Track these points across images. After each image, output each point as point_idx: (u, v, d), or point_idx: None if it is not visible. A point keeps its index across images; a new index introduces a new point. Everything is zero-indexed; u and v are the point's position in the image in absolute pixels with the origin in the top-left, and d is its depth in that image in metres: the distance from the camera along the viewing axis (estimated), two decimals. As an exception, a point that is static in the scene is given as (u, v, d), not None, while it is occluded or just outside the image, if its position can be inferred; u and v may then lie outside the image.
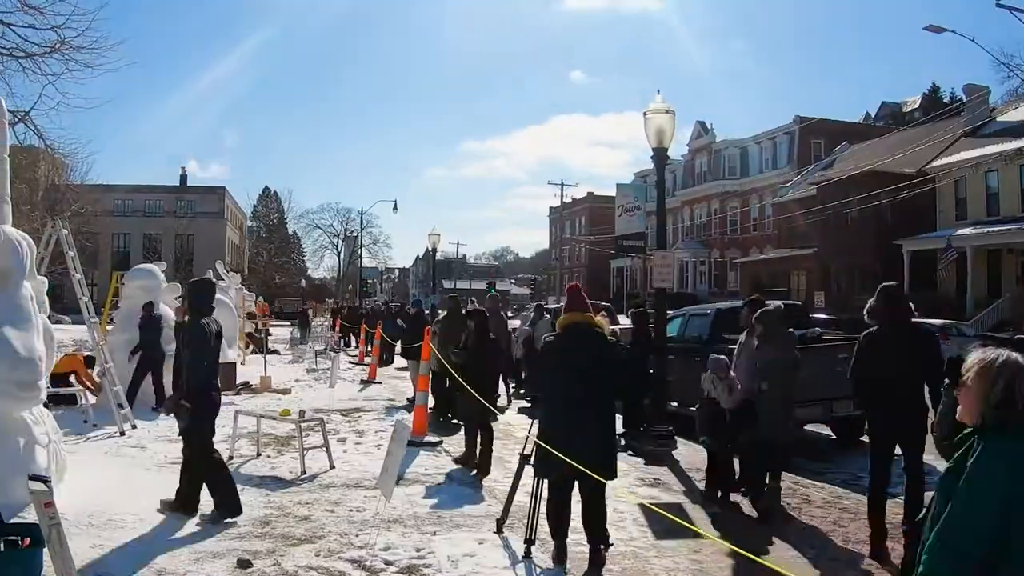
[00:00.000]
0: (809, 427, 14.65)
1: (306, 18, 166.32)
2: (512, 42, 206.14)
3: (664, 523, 8.36)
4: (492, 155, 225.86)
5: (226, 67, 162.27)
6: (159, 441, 13.23)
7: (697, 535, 7.98)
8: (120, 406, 14.09)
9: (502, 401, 16.61)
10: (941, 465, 4.85)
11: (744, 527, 9.14)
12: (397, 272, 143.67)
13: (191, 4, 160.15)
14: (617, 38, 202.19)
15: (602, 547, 7.52)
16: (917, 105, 75.30)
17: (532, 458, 7.76)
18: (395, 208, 71.89)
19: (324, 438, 12.03)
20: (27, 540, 6.01)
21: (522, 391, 20.28)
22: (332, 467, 11.55)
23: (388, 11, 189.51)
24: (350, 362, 29.36)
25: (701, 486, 10.84)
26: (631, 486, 10.91)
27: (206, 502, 8.83)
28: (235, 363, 23.20)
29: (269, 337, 32.76)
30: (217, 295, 30.94)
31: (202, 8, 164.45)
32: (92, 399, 15.50)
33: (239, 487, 10.29)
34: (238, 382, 21.44)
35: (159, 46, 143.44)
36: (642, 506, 9.46)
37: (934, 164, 42.89)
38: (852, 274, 44.58)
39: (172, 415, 8.67)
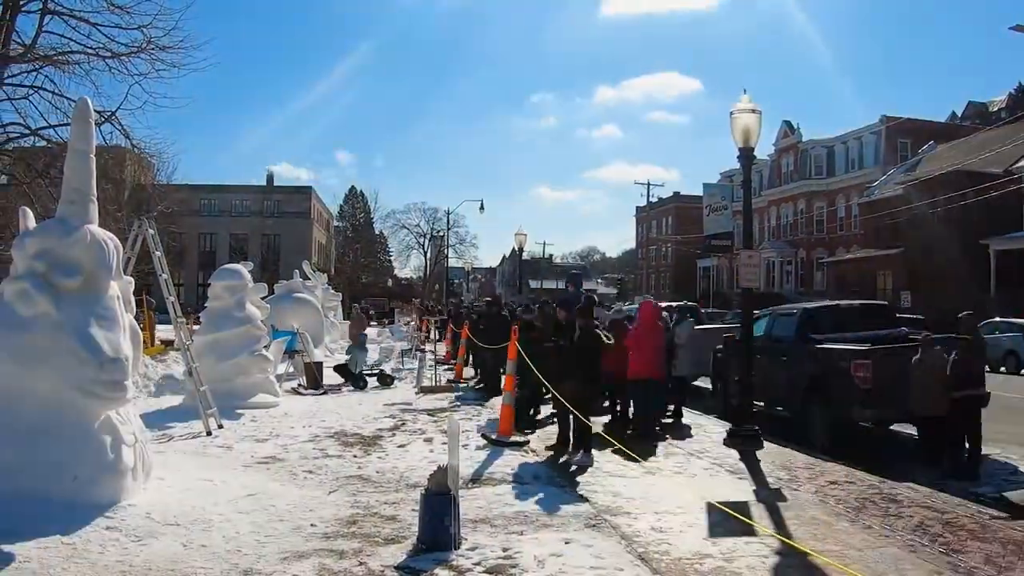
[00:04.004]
0: (895, 427, 14.60)
1: (399, 26, 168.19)
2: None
3: (738, 524, 8.20)
4: (582, 153, 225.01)
5: (316, 68, 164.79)
6: (245, 441, 13.27)
7: (779, 538, 7.83)
8: (206, 406, 14.10)
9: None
10: None
11: (820, 527, 8.89)
12: (484, 271, 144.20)
13: (279, 7, 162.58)
14: (706, 35, 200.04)
15: None
16: (1004, 104, 73.55)
17: None
18: (481, 208, 72.00)
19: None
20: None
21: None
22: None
23: (483, 16, 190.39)
24: (437, 362, 29.02)
25: (785, 488, 10.68)
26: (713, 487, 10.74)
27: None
28: (321, 362, 23.30)
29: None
30: (302, 295, 31.25)
31: (291, 11, 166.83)
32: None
33: (326, 487, 10.29)
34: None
35: (243, 45, 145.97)
36: (713, 505, 9.23)
37: (1020, 163, 42.05)
38: (939, 274, 43.73)
39: None
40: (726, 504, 9.24)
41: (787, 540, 7.81)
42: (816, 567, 7.38)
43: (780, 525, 8.90)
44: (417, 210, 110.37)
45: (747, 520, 7.20)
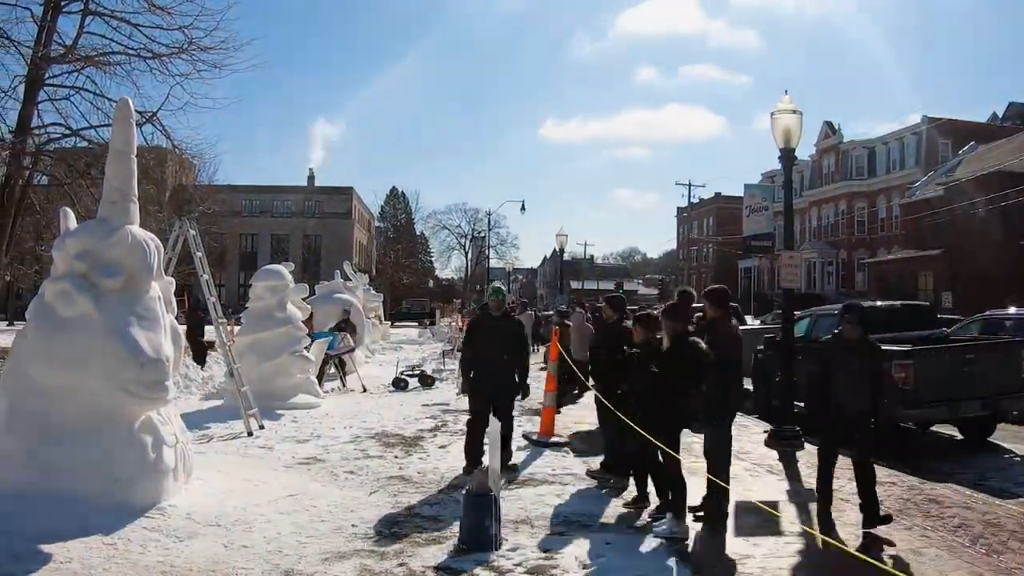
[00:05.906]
0: (935, 428, 14.64)
1: (442, 32, 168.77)
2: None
3: (779, 524, 8.14)
4: (622, 152, 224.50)
5: (359, 70, 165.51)
6: (286, 442, 13.29)
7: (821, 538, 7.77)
8: (248, 407, 14.12)
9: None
10: None
11: (862, 528, 8.75)
12: (525, 272, 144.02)
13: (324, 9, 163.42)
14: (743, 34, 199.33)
15: None
16: (1045, 106, 72.74)
17: None
18: (523, 209, 71.95)
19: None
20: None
21: None
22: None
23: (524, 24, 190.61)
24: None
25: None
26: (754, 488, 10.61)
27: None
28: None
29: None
30: (343, 295, 31.31)
31: (335, 11, 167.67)
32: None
33: (367, 488, 10.27)
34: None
35: (287, 47, 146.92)
36: (755, 505, 9.11)
37: (1062, 164, 41.71)
38: (980, 275, 43.39)
39: None
40: (768, 504, 9.16)
41: (828, 540, 7.72)
42: (857, 567, 7.27)
43: (822, 525, 8.81)
44: (458, 211, 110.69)
45: (789, 520, 7.11)
